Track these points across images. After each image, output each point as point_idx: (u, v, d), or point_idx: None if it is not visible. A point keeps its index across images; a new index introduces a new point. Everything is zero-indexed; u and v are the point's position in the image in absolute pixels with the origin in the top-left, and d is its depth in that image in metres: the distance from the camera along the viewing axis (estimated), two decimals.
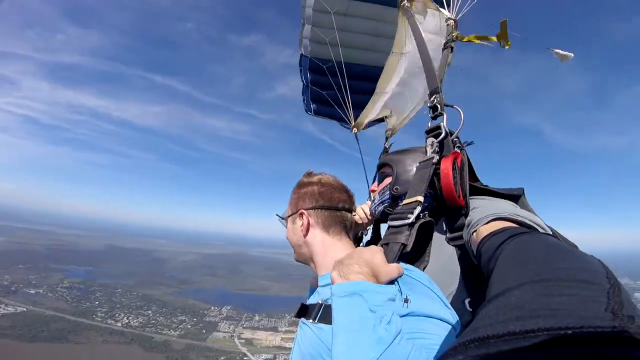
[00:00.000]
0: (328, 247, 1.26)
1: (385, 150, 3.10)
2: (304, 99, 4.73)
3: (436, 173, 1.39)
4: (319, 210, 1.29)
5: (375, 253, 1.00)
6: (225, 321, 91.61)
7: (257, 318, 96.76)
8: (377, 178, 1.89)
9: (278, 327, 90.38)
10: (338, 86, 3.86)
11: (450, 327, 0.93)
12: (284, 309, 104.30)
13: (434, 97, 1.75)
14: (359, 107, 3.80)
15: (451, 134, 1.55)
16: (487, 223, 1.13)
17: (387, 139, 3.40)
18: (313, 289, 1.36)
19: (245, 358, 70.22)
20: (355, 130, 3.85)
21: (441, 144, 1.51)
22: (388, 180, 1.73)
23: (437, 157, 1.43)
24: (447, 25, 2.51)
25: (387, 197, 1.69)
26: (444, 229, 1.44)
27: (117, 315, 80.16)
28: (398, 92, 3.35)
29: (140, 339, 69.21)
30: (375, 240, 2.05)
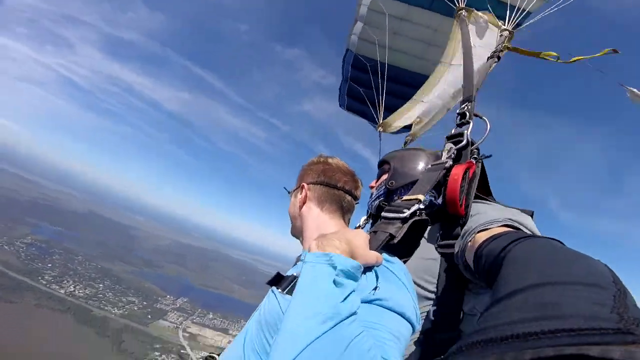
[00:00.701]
0: (320, 223, 1.27)
1: None
2: (339, 93, 4.80)
3: (446, 178, 1.36)
4: (318, 185, 1.32)
5: (359, 235, 0.98)
6: (176, 312, 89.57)
7: (210, 316, 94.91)
8: (377, 175, 1.90)
9: (230, 329, 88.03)
10: (376, 86, 3.87)
11: (409, 326, 0.94)
12: (242, 315, 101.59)
13: (465, 104, 1.75)
14: (392, 109, 3.77)
15: (472, 144, 1.54)
16: (486, 229, 1.13)
17: (405, 143, 3.36)
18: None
19: (182, 351, 67.35)
20: (380, 129, 3.79)
21: (459, 152, 1.50)
22: (385, 176, 1.75)
23: (451, 163, 1.41)
24: (501, 35, 2.57)
25: (383, 191, 1.72)
26: (437, 233, 1.42)
27: (65, 282, 78.33)
28: (434, 103, 3.30)
29: (78, 310, 67.07)
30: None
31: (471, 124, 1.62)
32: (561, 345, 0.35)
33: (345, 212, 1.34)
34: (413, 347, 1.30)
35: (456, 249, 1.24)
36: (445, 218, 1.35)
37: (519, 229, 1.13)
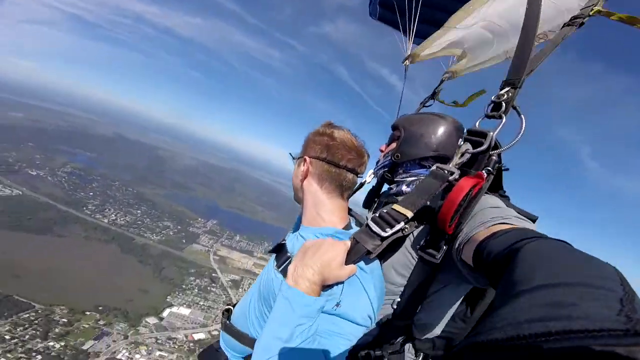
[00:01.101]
0: (317, 200, 1.32)
1: (433, 95, 2.75)
2: (370, 1, 4.08)
3: (445, 193, 1.22)
4: (320, 161, 1.31)
5: (337, 256, 1.06)
6: (207, 235, 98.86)
7: (237, 238, 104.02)
8: (388, 138, 1.80)
9: (254, 252, 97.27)
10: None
11: (363, 328, 1.12)
12: (265, 236, 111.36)
13: (507, 89, 1.28)
14: (431, 23, 3.10)
15: (495, 148, 1.26)
16: (488, 227, 1.09)
17: (441, 81, 2.82)
18: (298, 225, 1.44)
19: (213, 274, 76.41)
20: (408, 62, 3.10)
21: (474, 157, 1.26)
22: (394, 144, 1.67)
23: (457, 177, 1.21)
24: None
25: (388, 162, 1.65)
26: (424, 236, 1.33)
27: (107, 210, 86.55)
28: (481, 33, 2.60)
29: (121, 238, 75.62)
30: (374, 194, 1.94)
31: (503, 121, 1.25)
32: (569, 347, 0.36)
33: (344, 190, 1.35)
34: (373, 326, 1.34)
35: (439, 259, 1.24)
36: (434, 224, 1.25)
37: (523, 227, 1.08)
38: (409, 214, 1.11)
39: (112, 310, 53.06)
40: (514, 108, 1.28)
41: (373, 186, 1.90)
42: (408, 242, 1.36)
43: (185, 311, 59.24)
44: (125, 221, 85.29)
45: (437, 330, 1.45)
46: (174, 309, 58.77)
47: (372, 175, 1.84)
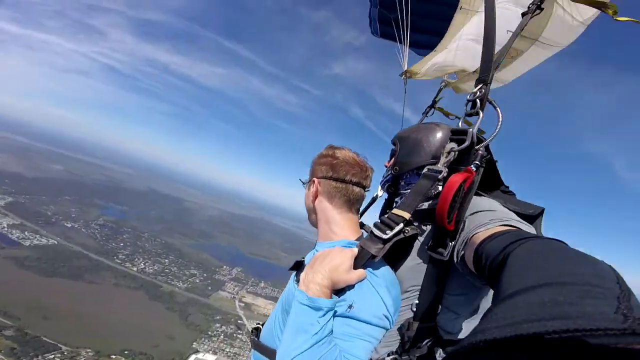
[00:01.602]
0: (329, 216, 1.39)
1: (434, 103, 2.94)
2: (370, 20, 4.50)
3: (437, 192, 1.33)
4: (327, 180, 1.38)
5: (345, 261, 1.13)
6: (232, 282, 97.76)
7: (262, 285, 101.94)
8: (390, 154, 1.83)
9: (279, 298, 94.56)
10: (404, 12, 3.41)
11: (380, 329, 1.14)
12: None
13: (479, 87, 1.39)
14: (429, 32, 3.39)
15: (480, 142, 1.34)
16: (486, 229, 1.14)
17: (439, 90, 3.07)
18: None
19: (239, 321, 74.40)
20: (405, 76, 3.32)
21: (461, 153, 1.33)
22: (394, 159, 1.70)
23: (445, 174, 1.30)
24: None
25: (389, 176, 1.69)
26: (430, 236, 1.38)
27: (137, 259, 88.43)
28: (465, 47, 2.83)
29: (149, 286, 76.29)
30: (387, 208, 1.93)
31: (480, 117, 1.33)
32: (567, 346, 0.35)
33: (353, 203, 1.41)
34: (394, 332, 1.37)
35: (447, 256, 1.26)
36: (436, 223, 1.30)
37: (519, 228, 1.12)
38: (406, 215, 1.19)
39: (138, 354, 51.98)
40: (490, 102, 1.37)
41: (385, 200, 1.95)
42: (417, 247, 1.40)
43: (211, 358, 56.60)
44: (154, 270, 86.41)
45: (468, 330, 1.42)
46: (200, 355, 56.32)
47: (381, 194, 1.91)
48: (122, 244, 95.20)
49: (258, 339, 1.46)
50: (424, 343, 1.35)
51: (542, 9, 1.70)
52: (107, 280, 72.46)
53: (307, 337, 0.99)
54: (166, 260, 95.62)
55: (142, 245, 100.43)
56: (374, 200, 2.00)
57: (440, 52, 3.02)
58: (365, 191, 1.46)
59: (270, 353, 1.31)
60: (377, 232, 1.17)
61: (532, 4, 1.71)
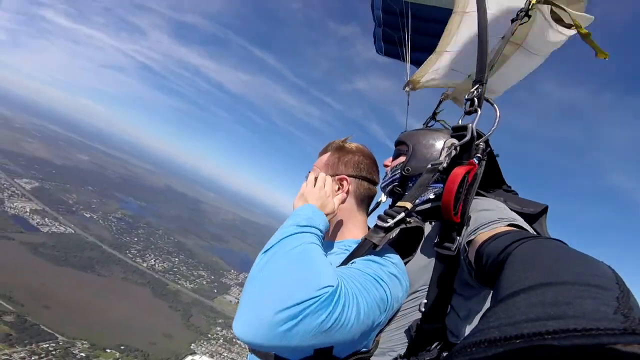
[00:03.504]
0: (353, 217, 1.31)
1: (434, 115, 3.00)
2: (374, 39, 4.67)
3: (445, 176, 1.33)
4: (359, 179, 1.31)
5: (327, 180, 1.21)
6: (238, 287, 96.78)
7: None
8: (393, 154, 1.83)
9: None
10: (406, 28, 3.69)
11: (384, 292, 1.00)
12: None
13: (476, 87, 1.49)
14: (429, 51, 3.44)
15: (480, 137, 1.39)
16: (488, 229, 1.15)
17: (440, 102, 3.08)
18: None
19: None
20: (408, 88, 3.43)
21: (462, 148, 1.37)
22: (402, 159, 1.70)
23: (445, 166, 1.33)
24: None
25: (398, 176, 1.68)
26: (437, 232, 1.40)
27: (148, 255, 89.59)
28: (462, 52, 2.90)
29: (156, 283, 76.66)
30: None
31: (479, 114, 1.41)
32: (568, 346, 0.35)
33: (370, 204, 1.37)
34: (401, 334, 1.35)
35: (455, 250, 1.27)
36: (442, 218, 1.32)
37: (521, 228, 1.13)
38: (409, 205, 1.17)
39: (133, 350, 51.87)
40: (487, 100, 1.46)
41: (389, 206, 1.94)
42: (423, 247, 1.39)
43: None
44: (163, 267, 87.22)
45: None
46: (196, 357, 56.01)
47: (385, 195, 1.88)
48: (135, 239, 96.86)
49: None
50: (433, 346, 1.33)
51: (529, 17, 1.87)
52: (115, 273, 73.40)
53: (299, 222, 0.96)
54: (176, 259, 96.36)
55: (155, 241, 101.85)
56: (377, 205, 1.98)
57: (444, 52, 3.02)
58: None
59: (268, 356, 1.20)
60: (379, 223, 1.16)
61: (520, 11, 1.87)
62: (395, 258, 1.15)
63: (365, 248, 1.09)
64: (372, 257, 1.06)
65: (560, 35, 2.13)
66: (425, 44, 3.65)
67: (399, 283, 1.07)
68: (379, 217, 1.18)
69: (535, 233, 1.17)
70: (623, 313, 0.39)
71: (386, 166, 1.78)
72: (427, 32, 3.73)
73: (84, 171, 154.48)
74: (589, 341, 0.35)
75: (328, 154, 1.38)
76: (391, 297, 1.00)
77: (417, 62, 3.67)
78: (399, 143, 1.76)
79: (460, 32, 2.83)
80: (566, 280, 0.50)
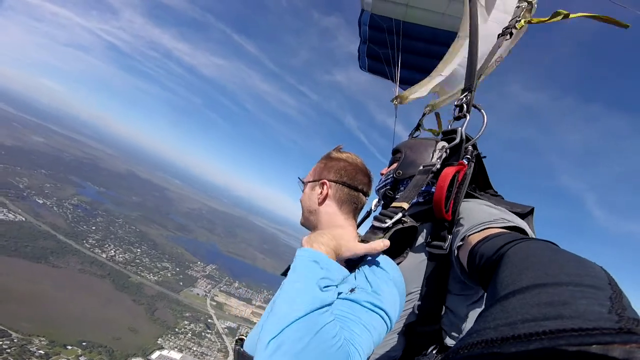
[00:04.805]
0: (334, 222, 1.33)
1: (418, 126, 3.16)
2: (359, 55, 4.82)
3: (434, 182, 1.40)
4: (340, 185, 1.35)
5: (349, 232, 1.18)
6: (205, 279, 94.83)
7: (235, 285, 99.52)
8: (389, 162, 1.94)
9: (253, 299, 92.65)
10: (395, 45, 3.88)
11: (383, 322, 1.03)
12: (265, 284, 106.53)
13: (465, 94, 1.63)
14: (415, 68, 3.73)
15: (468, 140, 1.49)
16: (481, 230, 1.16)
17: (424, 114, 3.27)
18: None
19: (209, 320, 72.06)
20: (397, 102, 3.66)
21: (452, 151, 1.46)
22: (395, 165, 1.79)
23: (438, 166, 1.43)
24: (518, 7, 2.32)
25: (390, 179, 1.76)
26: (429, 232, 1.44)
27: (107, 246, 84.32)
28: (454, 73, 3.21)
29: (117, 275, 72.44)
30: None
31: (467, 119, 1.52)
32: (564, 346, 0.35)
33: (357, 211, 1.40)
34: (396, 338, 1.36)
35: (447, 249, 1.30)
36: (434, 218, 1.37)
37: (514, 229, 1.15)
38: (405, 206, 1.23)
39: (96, 347, 49.10)
40: (475, 106, 1.58)
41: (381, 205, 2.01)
42: (415, 247, 1.43)
43: (176, 355, 54.64)
44: (124, 258, 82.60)
45: None
46: (164, 352, 54.30)
47: (377, 205, 1.99)
48: (93, 228, 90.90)
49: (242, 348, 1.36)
50: (429, 350, 1.33)
51: (512, 34, 2.18)
52: (72, 265, 68.20)
53: (306, 299, 0.87)
54: (138, 250, 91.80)
55: (114, 231, 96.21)
56: (368, 214, 2.08)
57: (435, 77, 3.32)
58: (366, 199, 1.47)
59: None
60: (377, 224, 1.20)
61: (507, 28, 2.18)
62: (388, 265, 1.17)
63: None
64: (369, 279, 1.06)
65: (515, 39, 2.50)
66: (411, 62, 3.90)
67: (397, 295, 1.11)
68: (376, 218, 1.22)
69: (531, 233, 1.20)
70: (617, 313, 0.39)
71: (382, 174, 1.88)
72: (414, 50, 3.96)
73: (38, 153, 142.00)
74: (586, 341, 0.35)
75: (319, 161, 1.47)
76: (390, 323, 1.05)
77: (402, 80, 3.99)
78: (394, 152, 1.88)
79: (460, 55, 3.09)
80: (561, 281, 0.51)
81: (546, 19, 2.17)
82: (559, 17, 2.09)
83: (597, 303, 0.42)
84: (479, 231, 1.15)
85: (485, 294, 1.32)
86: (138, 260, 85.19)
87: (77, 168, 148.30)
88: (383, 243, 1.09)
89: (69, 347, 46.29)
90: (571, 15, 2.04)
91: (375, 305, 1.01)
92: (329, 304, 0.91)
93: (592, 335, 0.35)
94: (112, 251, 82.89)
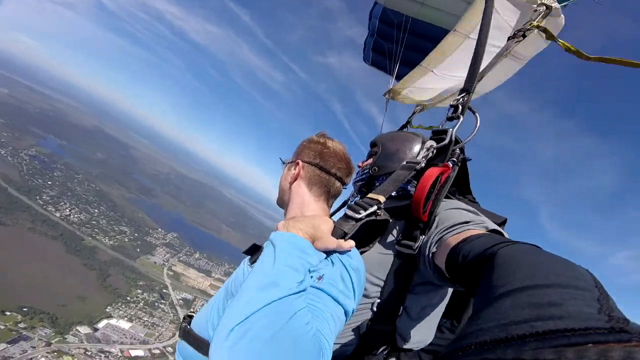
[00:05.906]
0: (303, 202, 1.35)
1: (407, 123, 3.15)
2: (364, 47, 4.79)
3: (417, 177, 1.38)
4: (312, 166, 1.36)
5: (326, 223, 1.12)
6: (164, 247, 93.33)
7: (196, 255, 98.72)
8: (367, 155, 1.89)
9: (213, 272, 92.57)
10: (400, 41, 3.89)
11: (344, 314, 1.01)
12: (227, 258, 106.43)
13: (462, 95, 1.58)
14: (414, 66, 3.64)
15: (457, 142, 1.46)
16: (461, 231, 1.16)
17: (414, 113, 3.27)
18: None
19: (164, 290, 71.65)
20: (389, 96, 3.69)
21: (439, 151, 1.44)
22: (371, 160, 1.75)
23: (423, 165, 1.40)
24: (535, 11, 2.22)
25: (365, 176, 1.74)
26: (400, 230, 1.41)
27: (62, 204, 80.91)
28: (449, 76, 3.16)
29: (70, 237, 70.09)
30: None
31: (460, 120, 1.48)
32: (558, 346, 0.36)
33: (331, 196, 1.40)
34: (351, 334, 1.36)
35: (416, 249, 1.28)
36: (409, 217, 1.35)
37: (494, 232, 1.14)
38: (382, 199, 1.22)
39: (38, 313, 47.73)
40: (469, 109, 1.53)
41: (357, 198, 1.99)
42: (384, 240, 1.42)
43: (125, 325, 54.61)
44: (79, 219, 79.89)
45: (423, 340, 1.43)
46: (113, 321, 54.14)
47: (354, 196, 1.99)
48: (49, 183, 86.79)
49: (190, 325, 1.32)
50: (379, 350, 1.33)
51: (525, 37, 2.08)
52: (21, 222, 65.05)
53: (284, 283, 0.85)
54: (96, 211, 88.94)
55: (72, 187, 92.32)
56: (344, 204, 2.11)
57: (429, 71, 3.23)
58: (344, 188, 1.46)
59: (200, 343, 1.17)
60: (350, 213, 1.18)
61: (519, 31, 2.09)
62: (353, 253, 1.15)
63: (335, 236, 1.11)
64: (336, 269, 1.04)
65: (544, 43, 2.37)
66: (413, 60, 3.82)
67: (359, 289, 1.10)
68: (350, 207, 1.20)
69: (508, 237, 1.18)
70: (606, 313, 0.40)
71: (359, 167, 1.84)
72: (418, 48, 3.92)
73: None
74: (579, 340, 0.35)
75: (300, 144, 1.48)
76: (348, 317, 1.03)
77: (400, 76, 4.00)
78: (372, 145, 1.85)
79: (456, 55, 2.97)
80: (549, 283, 0.52)
81: (561, 41, 2.01)
82: (572, 50, 1.94)
83: (586, 304, 0.44)
84: (459, 232, 1.14)
85: (447, 294, 1.40)
86: (94, 222, 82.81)
87: (41, 120, 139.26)
88: (349, 244, 1.09)
89: (8, 313, 44.92)
90: (590, 57, 1.90)
91: (340, 296, 1.01)
92: (304, 290, 0.89)
93: (585, 335, 0.36)
94: (67, 210, 79.85)
